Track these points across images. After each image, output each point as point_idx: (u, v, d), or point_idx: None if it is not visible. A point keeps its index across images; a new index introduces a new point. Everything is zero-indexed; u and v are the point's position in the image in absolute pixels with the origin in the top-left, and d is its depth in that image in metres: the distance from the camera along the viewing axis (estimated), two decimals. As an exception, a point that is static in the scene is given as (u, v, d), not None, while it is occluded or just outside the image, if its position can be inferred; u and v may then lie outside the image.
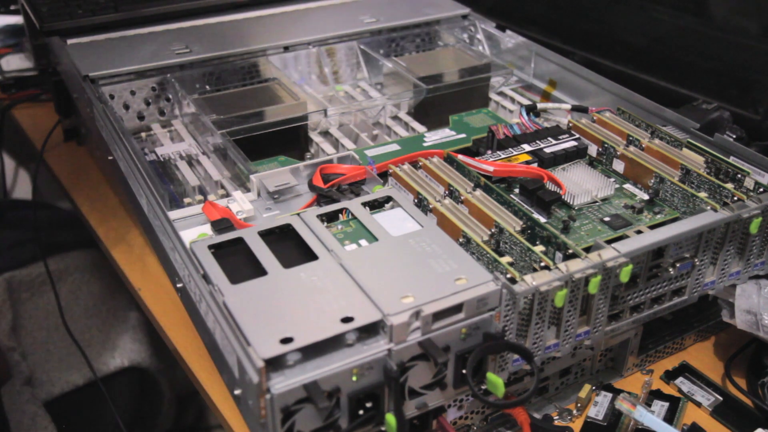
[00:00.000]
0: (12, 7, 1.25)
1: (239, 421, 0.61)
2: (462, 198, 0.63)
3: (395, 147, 0.77)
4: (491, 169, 0.66)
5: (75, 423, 1.08)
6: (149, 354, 1.13)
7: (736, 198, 0.61)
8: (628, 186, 0.68)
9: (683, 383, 0.65)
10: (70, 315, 1.07)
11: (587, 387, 0.63)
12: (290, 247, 0.57)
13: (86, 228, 0.92)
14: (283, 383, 0.46)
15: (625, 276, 0.55)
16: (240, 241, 0.57)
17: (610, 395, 0.64)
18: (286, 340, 0.47)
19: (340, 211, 0.61)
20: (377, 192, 0.63)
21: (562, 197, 0.65)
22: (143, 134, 0.86)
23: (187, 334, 0.70)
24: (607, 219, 0.63)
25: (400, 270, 0.53)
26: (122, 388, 1.12)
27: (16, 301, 1.06)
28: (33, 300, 1.08)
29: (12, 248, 1.11)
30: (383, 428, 0.51)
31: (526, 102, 0.87)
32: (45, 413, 1.01)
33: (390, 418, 0.49)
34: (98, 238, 0.87)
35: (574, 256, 0.55)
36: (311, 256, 0.55)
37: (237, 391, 0.50)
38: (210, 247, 0.56)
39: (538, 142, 0.72)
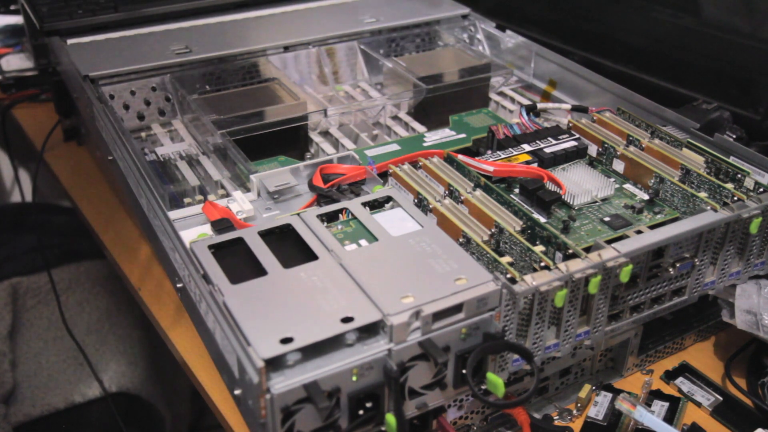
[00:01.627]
0: (12, 7, 1.25)
1: (239, 421, 0.61)
2: (462, 198, 0.63)
3: (395, 147, 0.77)
4: (491, 169, 0.66)
5: None
6: (143, 379, 1.09)
7: (736, 198, 0.61)
8: (628, 186, 0.68)
9: (683, 383, 0.65)
10: (72, 328, 1.05)
11: (587, 387, 0.63)
12: (290, 247, 0.57)
13: (86, 227, 0.92)
14: (283, 383, 0.46)
15: (625, 276, 0.55)
16: (240, 241, 0.57)
17: (610, 395, 0.64)
18: (286, 340, 0.47)
19: (340, 211, 0.61)
20: (377, 192, 0.63)
21: (562, 197, 0.65)
22: (143, 134, 0.86)
23: (187, 335, 0.70)
24: (607, 219, 0.63)
25: (400, 270, 0.53)
26: (106, 413, 1.07)
27: (20, 308, 1.05)
28: (38, 308, 1.06)
29: (26, 254, 1.09)
30: (383, 428, 0.51)
31: (526, 102, 0.87)
32: None
33: (390, 418, 0.49)
34: (98, 239, 0.87)
35: (574, 256, 0.55)
36: (311, 256, 0.55)
37: (237, 391, 0.50)
38: (210, 247, 0.56)
39: (538, 142, 0.72)
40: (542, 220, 0.62)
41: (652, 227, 0.59)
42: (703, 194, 0.62)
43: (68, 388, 1.05)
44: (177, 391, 1.15)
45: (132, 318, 1.11)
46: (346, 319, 0.49)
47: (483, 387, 0.53)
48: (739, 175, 0.64)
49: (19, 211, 1.28)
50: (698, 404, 0.64)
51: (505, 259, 0.55)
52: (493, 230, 0.59)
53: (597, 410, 0.62)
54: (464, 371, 0.52)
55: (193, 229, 0.63)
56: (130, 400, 1.10)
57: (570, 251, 0.55)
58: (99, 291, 1.10)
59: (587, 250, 0.56)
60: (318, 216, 0.60)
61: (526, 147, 0.71)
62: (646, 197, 0.66)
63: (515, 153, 0.71)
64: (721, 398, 0.64)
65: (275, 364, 0.47)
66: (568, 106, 0.83)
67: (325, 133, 0.84)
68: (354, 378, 0.48)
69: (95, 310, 1.09)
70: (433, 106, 0.86)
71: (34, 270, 1.06)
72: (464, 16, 1.02)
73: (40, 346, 1.06)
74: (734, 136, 0.75)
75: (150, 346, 1.12)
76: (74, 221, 1.14)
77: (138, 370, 1.09)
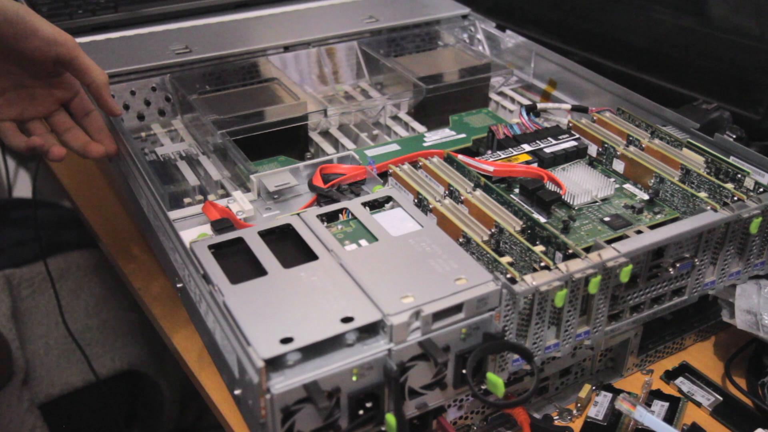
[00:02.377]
0: (12, 7, 1.25)
1: (239, 421, 0.61)
2: (462, 198, 0.63)
3: (395, 147, 0.77)
4: (491, 169, 0.66)
5: (73, 427, 1.07)
6: (147, 357, 1.12)
7: (736, 198, 0.61)
8: (628, 186, 0.68)
9: (683, 383, 0.65)
10: (70, 314, 1.06)
11: (587, 387, 0.63)
12: (290, 247, 0.57)
13: (87, 228, 0.92)
14: (283, 383, 0.46)
15: (625, 276, 0.55)
16: (240, 241, 0.57)
17: (610, 395, 0.64)
18: (286, 340, 0.47)
19: (340, 211, 0.61)
20: (377, 192, 0.63)
21: (562, 197, 0.65)
22: (143, 134, 0.86)
23: (187, 334, 0.70)
24: (607, 219, 0.63)
25: (400, 270, 0.53)
26: (120, 391, 1.11)
27: (16, 297, 1.06)
28: (33, 297, 1.08)
29: (14, 247, 1.11)
30: (383, 428, 0.51)
31: (526, 102, 0.87)
32: (43, 423, 1.00)
33: (390, 418, 0.49)
34: (98, 238, 0.87)
35: (574, 256, 0.55)
36: (311, 256, 0.55)
37: (237, 391, 0.50)
38: (210, 247, 0.56)
39: (538, 142, 0.72)
40: (542, 220, 0.62)
41: (652, 227, 0.59)
42: (703, 194, 0.62)
43: (82, 367, 1.07)
44: (169, 367, 1.17)
45: (128, 302, 1.13)
46: (346, 319, 0.49)
47: (483, 387, 0.53)
48: (739, 175, 0.64)
49: (1, 206, 1.30)
50: (698, 404, 0.64)
51: (505, 259, 0.55)
52: (493, 230, 0.59)
53: (597, 410, 0.62)
54: (464, 371, 0.52)
55: (193, 229, 0.63)
56: (141, 377, 1.12)
57: (570, 251, 0.55)
58: (91, 279, 1.12)
59: (587, 250, 0.56)
60: (318, 216, 0.60)
61: (526, 147, 0.71)
62: (646, 197, 0.66)
63: (515, 153, 0.71)
64: (721, 398, 0.64)
65: (275, 364, 0.47)
66: (568, 106, 0.83)
67: (325, 133, 0.84)
68: (354, 378, 0.48)
69: (91, 296, 1.11)
70: (433, 106, 0.86)
71: (24, 262, 1.08)
72: (464, 16, 1.02)
73: (44, 330, 1.07)
74: (734, 136, 0.75)
75: (150, 327, 1.15)
76: (57, 215, 1.17)
77: (143, 349, 1.12)
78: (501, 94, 0.92)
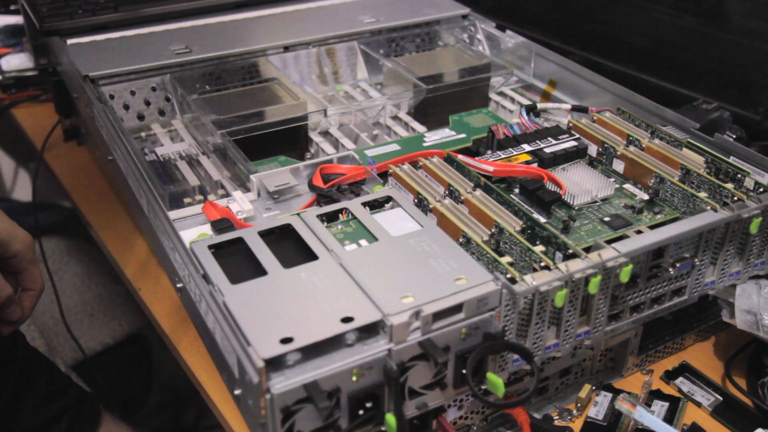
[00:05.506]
0: (12, 7, 1.25)
1: (239, 421, 0.61)
2: (462, 198, 0.63)
3: (395, 147, 0.77)
4: (491, 169, 0.66)
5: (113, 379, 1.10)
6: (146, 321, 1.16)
7: (736, 198, 0.61)
8: (628, 186, 0.68)
9: (683, 383, 0.65)
10: (62, 291, 1.07)
11: (587, 387, 0.63)
12: (290, 247, 0.57)
13: (86, 227, 0.92)
14: (283, 383, 0.46)
15: (625, 276, 0.55)
16: (240, 241, 0.57)
17: (610, 395, 0.64)
18: (286, 340, 0.47)
19: (340, 211, 0.61)
20: (377, 192, 0.63)
21: (562, 197, 0.65)
22: (143, 134, 0.86)
23: (187, 334, 0.70)
24: (607, 219, 0.63)
25: (400, 270, 0.53)
26: (135, 353, 1.14)
27: None
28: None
29: None
30: (383, 428, 0.51)
31: (526, 102, 0.87)
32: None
33: (390, 418, 0.49)
34: (98, 239, 0.87)
35: (574, 256, 0.55)
36: (311, 256, 0.55)
37: (237, 391, 0.50)
38: (210, 247, 0.56)
39: (538, 142, 0.72)
40: (542, 220, 0.62)
41: (652, 227, 0.59)
42: (703, 194, 0.62)
43: (96, 334, 1.09)
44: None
45: (113, 277, 1.14)
46: (346, 319, 0.49)
47: (483, 387, 0.53)
48: (739, 175, 0.64)
49: None
50: (698, 404, 0.64)
51: (505, 259, 0.55)
52: (493, 230, 0.59)
53: (597, 410, 0.62)
54: (464, 371, 0.52)
55: (193, 229, 0.63)
56: (144, 341, 1.15)
57: (570, 251, 0.55)
58: (69, 261, 1.14)
59: (587, 250, 0.56)
60: (318, 216, 0.60)
61: (526, 147, 0.71)
62: (646, 197, 0.66)
63: (515, 153, 0.71)
64: (721, 398, 0.64)
65: (275, 364, 0.47)
66: (568, 106, 0.83)
67: (325, 133, 0.84)
68: (354, 378, 0.48)
69: (75, 276, 1.13)
70: (433, 106, 0.86)
71: None
72: (464, 16, 1.02)
73: (42, 308, 1.09)
74: (734, 136, 0.75)
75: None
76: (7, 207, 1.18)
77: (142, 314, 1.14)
78: (501, 94, 0.92)
